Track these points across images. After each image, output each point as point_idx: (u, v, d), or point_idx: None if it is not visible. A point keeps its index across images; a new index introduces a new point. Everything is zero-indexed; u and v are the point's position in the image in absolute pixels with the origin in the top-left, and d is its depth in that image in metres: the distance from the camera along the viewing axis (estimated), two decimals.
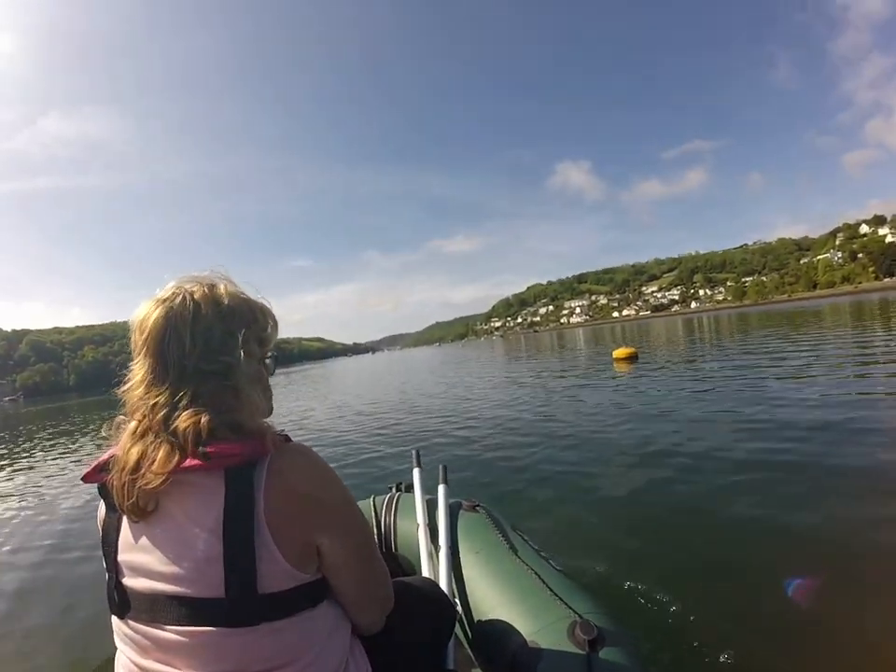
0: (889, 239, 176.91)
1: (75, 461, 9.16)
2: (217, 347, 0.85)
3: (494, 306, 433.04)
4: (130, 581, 0.83)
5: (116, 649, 0.90)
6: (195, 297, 0.86)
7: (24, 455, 11.51)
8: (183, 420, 0.79)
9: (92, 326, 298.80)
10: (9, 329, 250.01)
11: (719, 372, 9.61)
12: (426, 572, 1.63)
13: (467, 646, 1.46)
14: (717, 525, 3.08)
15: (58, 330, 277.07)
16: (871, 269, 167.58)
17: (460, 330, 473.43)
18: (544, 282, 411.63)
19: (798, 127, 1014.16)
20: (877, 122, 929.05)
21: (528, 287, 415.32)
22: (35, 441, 14.39)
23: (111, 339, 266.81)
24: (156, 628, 0.80)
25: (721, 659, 1.94)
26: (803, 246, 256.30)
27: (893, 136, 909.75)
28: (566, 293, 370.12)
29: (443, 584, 1.50)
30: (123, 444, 0.82)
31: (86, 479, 0.87)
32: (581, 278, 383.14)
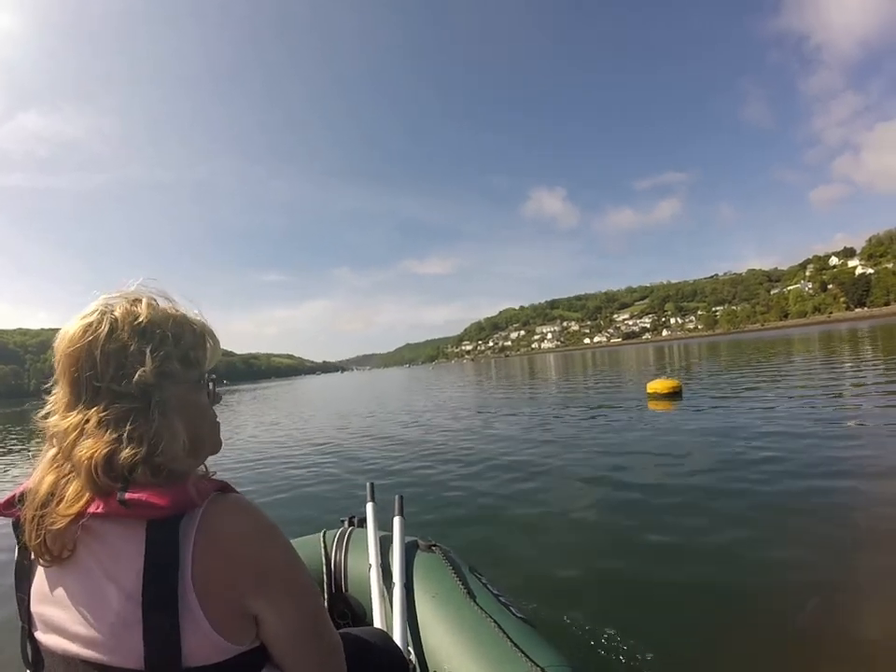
0: (858, 271, 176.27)
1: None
2: (129, 366, 0.74)
3: (465, 329, 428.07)
4: (43, 637, 0.73)
5: None
6: (115, 314, 0.77)
7: None
8: (86, 447, 0.69)
9: (58, 329, 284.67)
10: None
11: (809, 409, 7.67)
12: (377, 616, 1.56)
13: None
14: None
15: (22, 332, 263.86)
16: (842, 299, 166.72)
17: (430, 352, 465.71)
18: (517, 306, 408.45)
19: (767, 161, 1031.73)
20: (845, 159, 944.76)
21: (500, 312, 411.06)
22: None
23: None
24: None
25: None
26: (772, 277, 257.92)
27: (860, 173, 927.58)
28: (538, 318, 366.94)
29: (396, 631, 1.43)
30: (39, 472, 0.74)
31: None
32: (553, 304, 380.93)
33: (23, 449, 12.81)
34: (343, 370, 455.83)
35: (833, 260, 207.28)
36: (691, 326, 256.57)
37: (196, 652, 0.68)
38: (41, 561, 0.72)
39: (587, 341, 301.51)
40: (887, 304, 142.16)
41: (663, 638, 2.24)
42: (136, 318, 0.77)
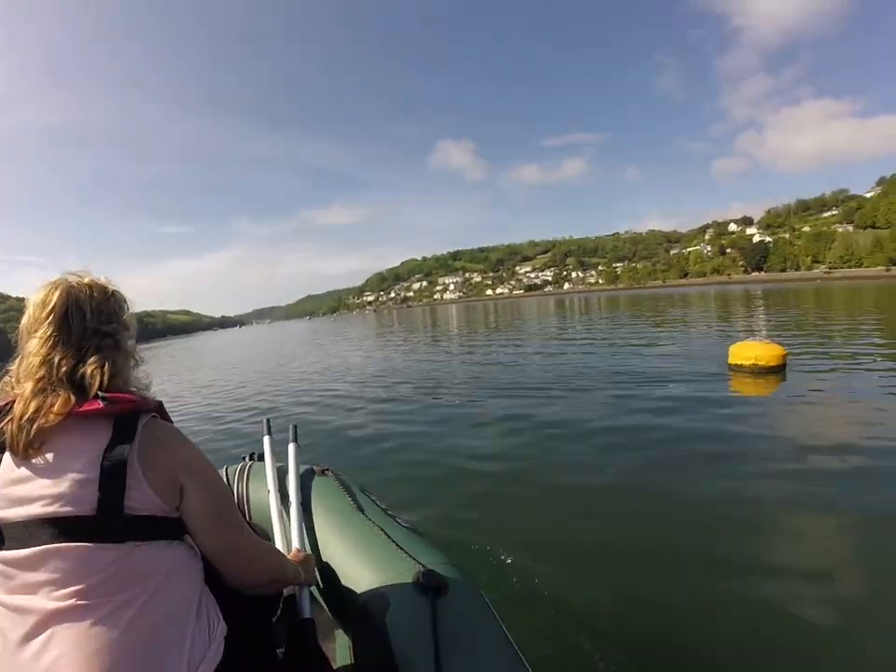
0: (756, 238, 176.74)
1: None
2: (109, 316, 1.06)
3: (367, 280, 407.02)
4: (6, 513, 0.89)
5: None
6: (86, 282, 1.07)
7: None
8: (90, 365, 0.97)
9: None
10: None
11: None
12: (278, 537, 1.66)
13: (320, 598, 1.52)
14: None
15: None
16: (740, 262, 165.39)
17: (332, 304, 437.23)
18: (419, 257, 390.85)
19: (676, 131, 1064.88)
20: (749, 136, 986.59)
21: (403, 262, 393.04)
22: None
23: None
24: (26, 551, 0.87)
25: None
26: (671, 239, 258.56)
27: (761, 150, 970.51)
28: (440, 269, 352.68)
29: (295, 545, 1.56)
30: (22, 400, 0.94)
31: None
32: (455, 255, 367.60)
33: None
34: (242, 324, 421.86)
35: (732, 227, 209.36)
36: (592, 280, 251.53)
37: (135, 504, 0.91)
38: (23, 455, 0.91)
39: (489, 292, 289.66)
40: (783, 270, 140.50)
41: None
42: (106, 288, 1.10)
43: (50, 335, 0.99)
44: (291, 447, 2.02)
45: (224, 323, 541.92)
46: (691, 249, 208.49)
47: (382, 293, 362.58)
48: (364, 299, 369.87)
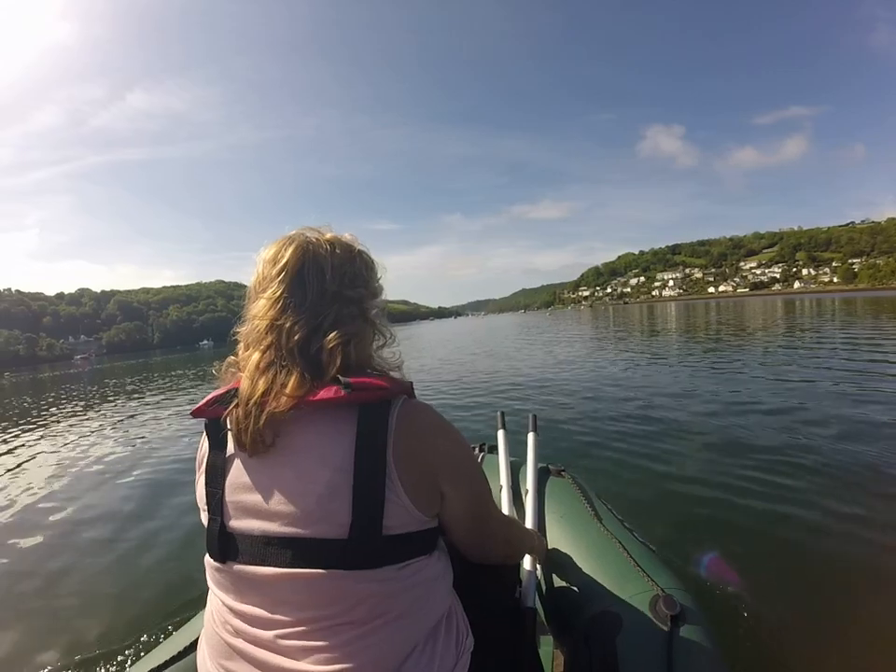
0: None
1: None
2: (354, 278, 0.88)
3: (583, 274, 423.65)
4: (239, 524, 0.79)
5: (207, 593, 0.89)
6: (327, 238, 0.89)
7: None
8: (330, 339, 0.80)
9: (178, 286, 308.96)
10: (98, 290, 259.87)
11: None
12: None
13: (541, 609, 1.42)
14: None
15: (145, 291, 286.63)
16: None
17: (546, 298, 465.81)
18: (636, 251, 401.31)
19: None
20: None
21: (619, 257, 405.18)
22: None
23: (196, 299, 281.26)
24: (266, 570, 0.76)
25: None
26: None
27: None
28: (658, 264, 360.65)
29: None
30: (249, 376, 0.79)
31: (196, 413, 0.85)
32: (674, 249, 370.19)
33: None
34: (458, 315, 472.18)
35: None
36: (825, 279, 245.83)
37: (394, 521, 0.76)
38: (254, 450, 0.77)
39: (711, 290, 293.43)
40: None
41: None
42: (351, 246, 0.91)
43: (280, 295, 0.84)
44: (531, 437, 1.97)
45: (441, 314, 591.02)
46: None
47: (598, 288, 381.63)
48: (579, 293, 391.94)
